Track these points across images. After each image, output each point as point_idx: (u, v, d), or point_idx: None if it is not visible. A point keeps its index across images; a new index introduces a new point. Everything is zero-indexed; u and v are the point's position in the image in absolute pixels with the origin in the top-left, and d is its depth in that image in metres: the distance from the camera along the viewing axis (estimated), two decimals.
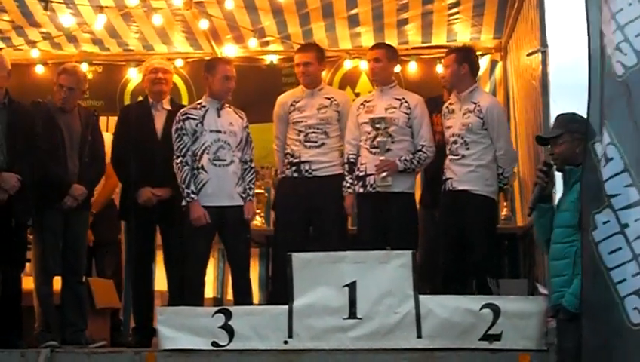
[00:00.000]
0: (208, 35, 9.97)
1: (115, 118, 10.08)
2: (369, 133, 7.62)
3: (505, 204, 8.62)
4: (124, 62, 10.56)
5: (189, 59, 10.34)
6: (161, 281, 8.27)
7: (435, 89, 8.36)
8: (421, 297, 6.53)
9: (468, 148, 7.32)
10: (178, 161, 7.43)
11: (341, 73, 10.35)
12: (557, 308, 5.75)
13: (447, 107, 7.58)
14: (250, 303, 7.51)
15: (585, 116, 5.60)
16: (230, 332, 6.62)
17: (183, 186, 7.37)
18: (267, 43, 10.11)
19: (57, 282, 7.54)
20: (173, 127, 7.52)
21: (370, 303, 6.52)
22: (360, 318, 6.52)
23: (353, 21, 9.62)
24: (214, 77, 7.60)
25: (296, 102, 7.90)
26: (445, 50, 8.86)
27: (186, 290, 7.39)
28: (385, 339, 6.49)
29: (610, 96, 5.54)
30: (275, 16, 9.52)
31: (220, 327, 6.62)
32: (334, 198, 7.74)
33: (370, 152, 7.61)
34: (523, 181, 8.29)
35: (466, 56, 7.54)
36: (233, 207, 7.42)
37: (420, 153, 7.60)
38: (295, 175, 7.77)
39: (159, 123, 7.84)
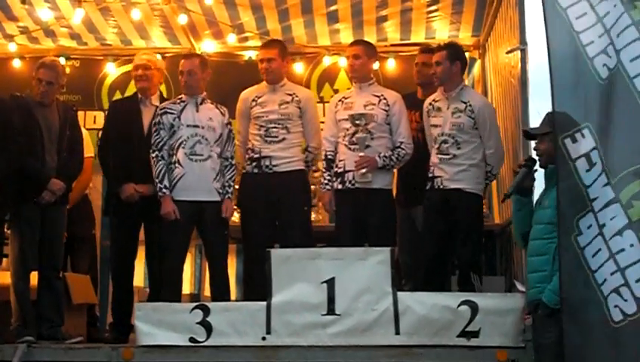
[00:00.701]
0: (187, 31, 9.96)
1: (92, 112, 10.24)
2: (348, 130, 7.61)
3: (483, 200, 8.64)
4: (101, 57, 10.54)
5: (168, 55, 10.26)
6: (138, 277, 8.25)
7: (414, 86, 8.36)
8: (399, 294, 6.55)
9: (459, 148, 7.32)
10: (154, 155, 7.44)
11: (320, 69, 10.36)
12: (534, 304, 5.78)
13: (431, 104, 7.57)
14: (228, 299, 7.48)
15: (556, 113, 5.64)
16: (208, 328, 6.61)
17: (157, 181, 7.39)
18: (246, 39, 10.10)
19: (34, 277, 7.48)
20: (153, 122, 7.53)
21: (349, 300, 6.52)
22: (338, 315, 6.52)
23: (332, 18, 9.63)
24: None
25: (259, 98, 7.88)
26: (419, 46, 8.93)
27: (163, 285, 7.38)
28: (363, 336, 6.50)
29: (593, 98, 5.57)
30: (254, 12, 9.52)
31: (197, 323, 6.61)
32: (296, 193, 7.73)
33: (349, 149, 7.60)
34: (500, 177, 8.31)
35: (458, 54, 7.53)
36: (211, 203, 7.41)
37: (399, 150, 7.60)
38: (255, 170, 7.74)
39: (146, 119, 7.80)
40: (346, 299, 6.52)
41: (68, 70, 9.58)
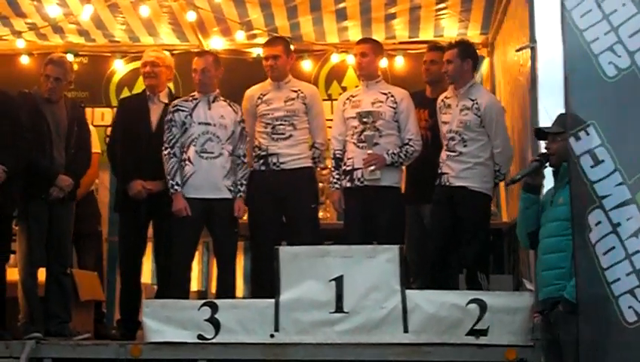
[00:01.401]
0: (195, 28, 9.94)
1: (100, 109, 10.24)
2: (356, 128, 7.61)
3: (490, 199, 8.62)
4: (109, 54, 10.52)
5: (176, 52, 10.25)
6: (145, 274, 8.26)
7: (422, 84, 8.35)
8: (408, 292, 6.55)
9: (465, 146, 7.31)
10: (166, 152, 7.47)
11: (328, 67, 10.35)
12: (552, 302, 5.74)
13: (442, 101, 7.56)
14: (233, 297, 7.47)
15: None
16: (216, 325, 6.61)
17: (169, 178, 7.42)
18: (254, 36, 10.07)
19: (41, 274, 7.50)
20: (165, 119, 7.55)
21: (357, 297, 6.52)
22: (347, 312, 6.52)
23: (341, 15, 9.61)
24: None
25: (264, 95, 7.88)
26: (427, 44, 8.91)
27: (172, 282, 7.40)
28: (371, 334, 6.50)
29: (599, 97, 5.55)
30: (262, 9, 9.50)
31: (206, 320, 6.62)
32: (303, 190, 7.74)
33: (358, 147, 7.60)
34: (508, 176, 8.28)
35: (469, 52, 7.51)
36: (221, 200, 7.42)
37: (407, 147, 7.59)
38: (263, 168, 7.74)
39: (155, 116, 7.82)
40: (354, 297, 6.52)
41: (76, 67, 9.65)
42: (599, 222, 5.39)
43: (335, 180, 7.72)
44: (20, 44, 10.19)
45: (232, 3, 9.44)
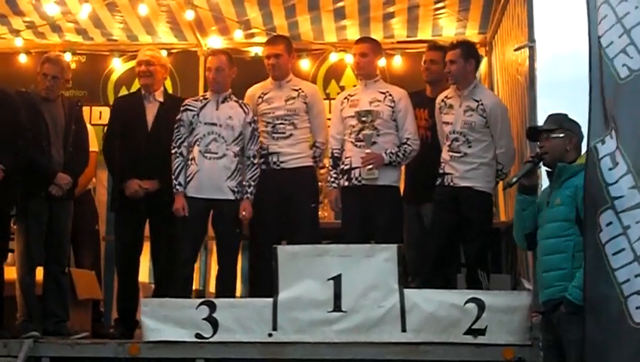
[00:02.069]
0: (193, 26, 9.94)
1: (98, 108, 10.23)
2: (354, 127, 7.60)
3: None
4: (107, 53, 10.52)
5: (174, 50, 10.29)
6: (143, 273, 8.25)
7: (421, 83, 8.35)
8: (406, 291, 6.55)
9: (470, 146, 7.30)
10: (173, 151, 7.51)
11: (326, 66, 10.35)
12: (553, 303, 5.74)
13: (443, 101, 7.55)
14: (232, 296, 7.47)
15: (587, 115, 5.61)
16: (214, 324, 6.62)
17: (173, 177, 7.44)
18: (252, 35, 10.08)
19: (39, 273, 7.50)
20: (176, 118, 7.58)
21: (355, 297, 6.53)
22: (345, 311, 6.53)
23: (339, 14, 9.61)
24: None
25: (265, 94, 7.88)
26: (426, 43, 8.91)
27: (173, 281, 7.40)
28: (369, 333, 6.50)
29: (613, 98, 5.54)
30: (260, 8, 9.51)
31: (204, 319, 6.62)
32: (304, 189, 7.74)
33: (355, 146, 7.59)
34: (508, 176, 8.28)
35: (471, 52, 7.50)
36: (223, 201, 7.42)
37: (405, 146, 7.59)
38: (263, 167, 7.73)
39: (150, 115, 7.82)
40: (352, 296, 6.53)
41: (74, 65, 9.66)
42: (610, 223, 5.39)
43: (333, 179, 7.71)
44: (18, 42, 10.20)
45: (230, 2, 9.45)
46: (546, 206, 5.91)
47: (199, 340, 6.61)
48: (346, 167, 7.61)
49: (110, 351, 6.78)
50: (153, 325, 6.68)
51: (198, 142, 7.46)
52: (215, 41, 10.13)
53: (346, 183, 7.60)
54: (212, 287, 8.24)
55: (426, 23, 9.75)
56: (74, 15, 9.57)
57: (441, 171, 7.40)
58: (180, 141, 7.50)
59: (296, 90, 7.86)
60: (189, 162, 7.47)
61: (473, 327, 6.41)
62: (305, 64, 10.20)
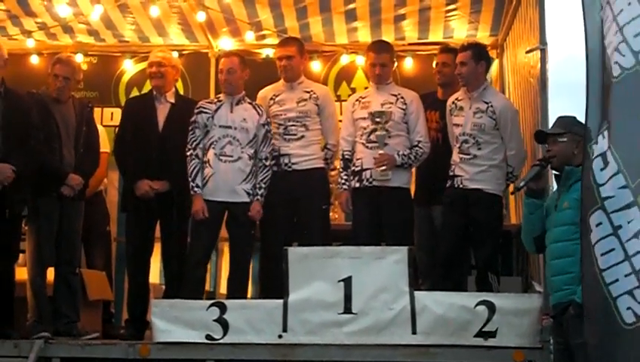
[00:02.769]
0: (204, 28, 9.96)
1: (110, 109, 10.25)
2: (365, 128, 7.60)
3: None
4: (119, 54, 10.54)
5: (185, 52, 10.30)
6: (153, 274, 8.26)
7: (432, 85, 8.34)
8: (416, 293, 6.55)
9: (480, 148, 7.29)
10: (188, 153, 7.51)
11: (337, 68, 10.35)
12: (562, 306, 5.73)
13: (453, 103, 7.54)
14: (244, 298, 7.48)
15: (584, 117, 5.60)
16: (225, 325, 6.62)
17: (190, 179, 7.44)
18: (264, 36, 10.09)
19: (50, 273, 7.51)
20: (190, 120, 7.58)
21: (366, 298, 6.53)
22: (355, 313, 6.53)
23: (350, 16, 9.61)
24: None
25: (276, 96, 7.89)
26: (439, 45, 8.91)
27: (186, 282, 7.40)
28: (380, 335, 6.50)
29: (609, 98, 5.53)
30: (272, 9, 9.51)
31: (214, 321, 6.63)
32: (315, 191, 7.73)
33: (367, 147, 7.59)
34: (519, 179, 8.27)
35: (482, 54, 7.50)
36: (238, 204, 7.43)
37: (417, 148, 7.59)
38: (275, 168, 7.72)
39: (161, 116, 7.81)
40: (362, 298, 6.52)
41: (85, 67, 9.69)
42: (599, 224, 5.35)
43: (343, 181, 7.71)
44: (30, 43, 10.23)
45: (241, 3, 9.45)
46: (554, 209, 5.90)
47: (209, 341, 6.61)
48: (357, 169, 7.61)
49: (120, 352, 6.79)
50: (163, 326, 6.69)
51: (213, 145, 7.46)
52: (226, 43, 10.13)
53: (357, 185, 7.60)
54: (223, 289, 8.25)
55: (438, 25, 9.74)
56: (85, 16, 9.58)
57: (451, 173, 7.39)
58: (195, 143, 7.50)
59: (308, 92, 7.86)
60: (204, 165, 7.48)
61: (483, 330, 6.41)
62: (316, 66, 10.20)
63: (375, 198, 7.50)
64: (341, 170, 7.78)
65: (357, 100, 7.83)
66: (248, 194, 7.45)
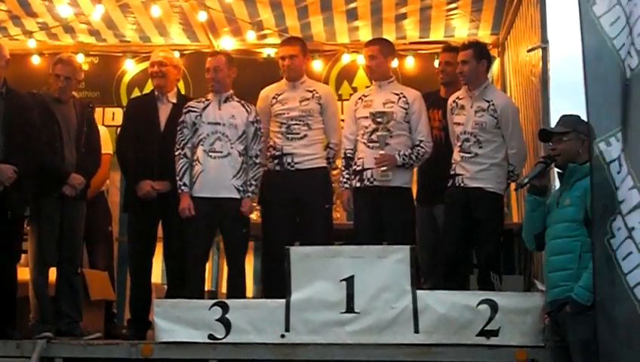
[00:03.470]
0: (206, 28, 9.95)
1: (111, 109, 10.25)
2: (367, 128, 7.60)
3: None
4: (120, 54, 10.54)
5: (186, 52, 10.29)
6: (156, 273, 8.26)
7: (433, 84, 8.34)
8: (419, 292, 6.55)
9: (481, 147, 7.29)
10: (177, 153, 7.51)
11: (338, 67, 10.36)
12: (559, 303, 5.74)
13: (455, 102, 7.54)
14: (242, 297, 7.47)
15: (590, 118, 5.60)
16: (227, 325, 6.62)
17: (177, 178, 7.44)
18: (265, 36, 10.10)
19: (52, 273, 7.52)
20: (179, 120, 7.59)
21: (368, 298, 6.52)
22: (357, 313, 6.52)
23: (351, 15, 9.61)
24: None
25: (279, 95, 7.90)
26: (441, 44, 8.91)
27: (185, 283, 7.40)
28: (382, 334, 6.50)
29: (621, 100, 5.53)
30: (273, 9, 9.50)
31: (216, 320, 6.63)
32: (318, 190, 7.74)
33: (368, 147, 7.59)
34: (520, 177, 8.27)
35: (483, 52, 7.50)
36: (229, 200, 7.42)
37: (419, 148, 7.59)
38: (277, 168, 7.74)
39: (163, 116, 7.83)
40: (365, 297, 6.52)
41: (87, 67, 9.69)
42: (619, 228, 5.38)
43: (345, 180, 7.71)
44: (31, 43, 10.23)
45: (242, 3, 9.44)
46: (556, 207, 5.92)
47: (212, 341, 6.61)
48: (359, 168, 7.61)
49: (123, 352, 6.78)
50: (166, 326, 6.68)
51: (202, 142, 7.47)
52: (227, 42, 10.14)
53: (358, 184, 7.60)
54: (224, 288, 8.25)
55: (439, 24, 9.74)
56: (87, 16, 9.58)
57: (452, 172, 7.40)
58: (183, 143, 7.51)
59: (311, 92, 7.87)
60: (194, 163, 7.48)
61: (486, 329, 6.41)
62: (317, 65, 10.20)
63: (376, 198, 7.50)
64: (343, 168, 7.79)
65: (359, 99, 7.84)
66: (239, 190, 7.45)
